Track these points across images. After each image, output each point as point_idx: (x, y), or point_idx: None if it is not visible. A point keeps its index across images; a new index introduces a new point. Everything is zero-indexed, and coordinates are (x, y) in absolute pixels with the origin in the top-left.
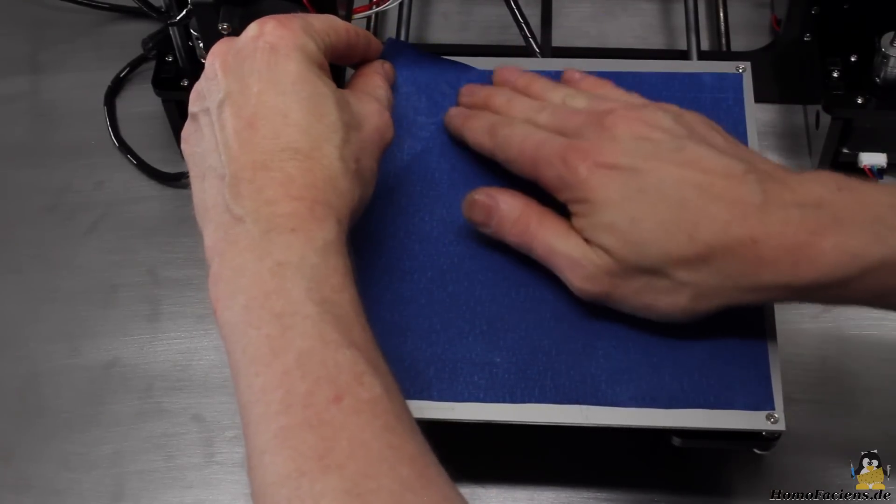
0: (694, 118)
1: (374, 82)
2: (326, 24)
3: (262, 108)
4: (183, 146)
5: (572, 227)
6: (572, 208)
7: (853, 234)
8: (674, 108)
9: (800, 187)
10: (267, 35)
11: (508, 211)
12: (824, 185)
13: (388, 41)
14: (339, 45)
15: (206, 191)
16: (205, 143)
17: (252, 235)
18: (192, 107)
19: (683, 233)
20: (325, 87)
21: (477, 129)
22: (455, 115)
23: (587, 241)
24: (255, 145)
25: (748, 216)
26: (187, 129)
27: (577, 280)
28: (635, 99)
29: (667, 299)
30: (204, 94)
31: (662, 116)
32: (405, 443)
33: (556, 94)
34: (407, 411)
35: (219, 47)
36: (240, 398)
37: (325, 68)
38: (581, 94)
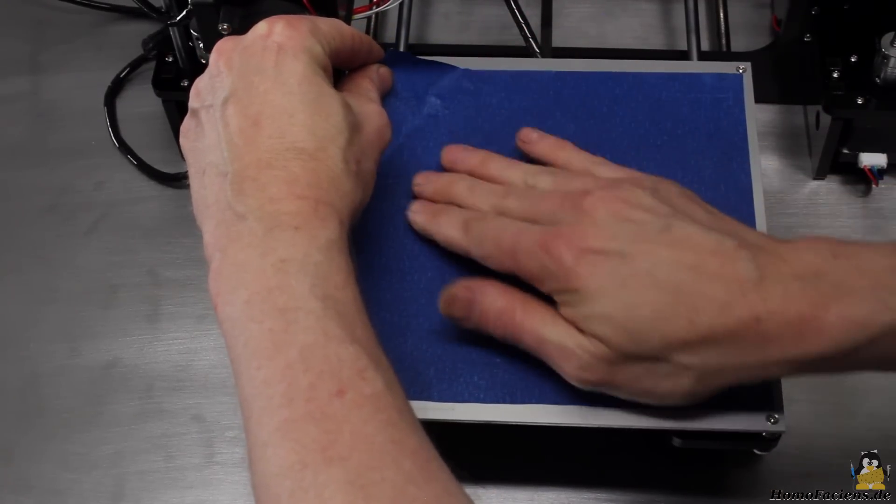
0: (671, 189)
1: (364, 85)
2: (332, 27)
3: (267, 106)
4: (182, 141)
5: (560, 315)
6: (559, 298)
7: (856, 304)
8: (648, 180)
9: (794, 258)
10: (276, 35)
11: (490, 303)
12: (819, 254)
13: (388, 52)
14: (343, 50)
15: (206, 187)
16: (206, 140)
17: (255, 232)
18: (193, 102)
19: (682, 318)
20: (329, 89)
21: (447, 227)
22: (419, 212)
23: (580, 330)
24: (260, 144)
25: (747, 294)
26: (187, 124)
27: (572, 370)
28: (603, 168)
29: (668, 384)
30: (206, 91)
31: (641, 195)
32: (407, 437)
33: (516, 173)
34: (408, 407)
35: (224, 44)
36: (241, 392)
37: (329, 71)
38: (543, 172)
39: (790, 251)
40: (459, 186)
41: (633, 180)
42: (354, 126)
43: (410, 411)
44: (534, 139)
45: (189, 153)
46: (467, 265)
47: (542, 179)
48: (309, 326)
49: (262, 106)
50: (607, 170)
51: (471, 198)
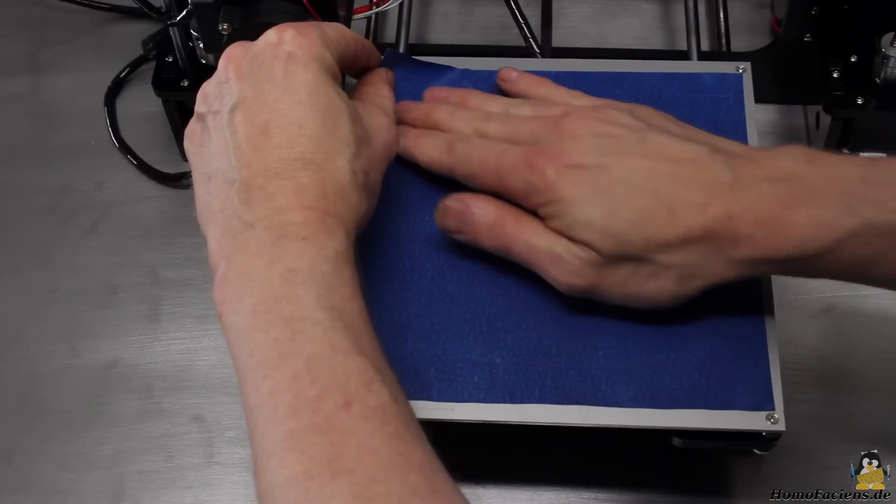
0: (647, 111)
1: (382, 93)
2: (338, 32)
3: (277, 116)
4: (186, 145)
5: (549, 227)
6: (544, 211)
7: (825, 207)
8: (624, 104)
9: (769, 162)
10: (286, 43)
11: (482, 215)
12: (794, 159)
13: (386, 52)
14: (347, 55)
15: (212, 193)
16: (212, 146)
17: (262, 242)
18: (199, 107)
19: (662, 219)
20: (339, 100)
21: (431, 148)
22: (401, 136)
23: (568, 238)
24: (268, 153)
25: (722, 195)
26: (191, 128)
27: (562, 275)
28: (580, 98)
29: (653, 284)
30: (214, 96)
31: (618, 114)
32: (413, 450)
33: (497, 104)
34: (414, 419)
35: (234, 51)
36: (245, 401)
37: (338, 78)
38: (523, 103)
39: (766, 157)
40: (441, 112)
41: (609, 103)
42: (363, 139)
43: (416, 424)
44: (513, 77)
45: (194, 157)
46: (467, 265)
47: (522, 109)
48: (315, 337)
49: (272, 115)
50: (585, 100)
51: (452, 122)
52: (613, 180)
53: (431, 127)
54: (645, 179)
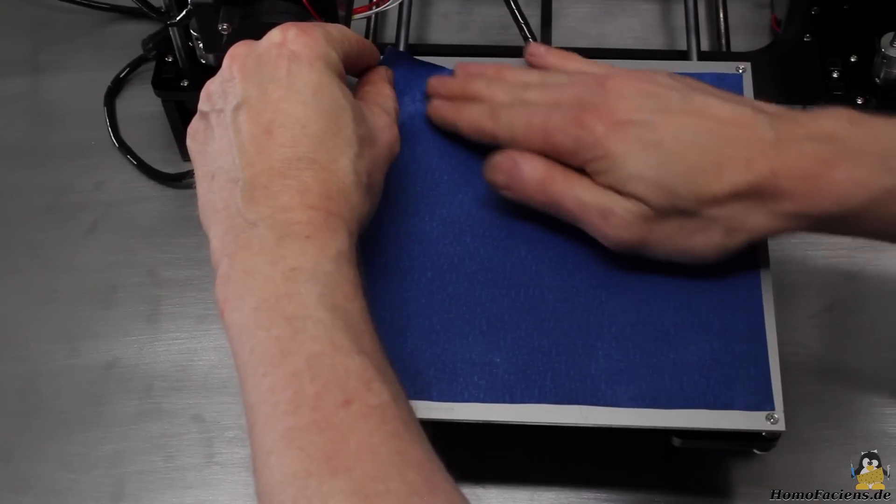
0: (685, 77)
1: (384, 92)
2: (341, 33)
3: (280, 115)
4: (189, 142)
5: (598, 183)
6: (592, 167)
7: (863, 165)
8: (663, 71)
9: (811, 123)
10: (290, 43)
11: (531, 171)
12: (836, 120)
13: (387, 50)
14: (351, 55)
15: (214, 192)
16: (215, 144)
17: (266, 240)
18: (203, 105)
19: (710, 173)
20: (344, 100)
21: (475, 116)
22: (441, 107)
23: (622, 192)
24: (272, 152)
25: (766, 152)
26: (195, 126)
27: (613, 230)
28: (615, 68)
29: (701, 238)
30: (217, 95)
31: (659, 76)
32: (412, 448)
33: (532, 75)
34: (414, 418)
35: (238, 50)
36: (246, 398)
37: (343, 77)
38: (559, 73)
39: (808, 118)
40: (478, 83)
41: (647, 69)
42: (366, 139)
43: (416, 423)
44: (542, 52)
45: (196, 155)
46: (467, 265)
47: (559, 78)
48: (317, 336)
49: (276, 114)
50: (620, 69)
51: (491, 92)
52: (662, 137)
53: (469, 98)
54: (692, 136)
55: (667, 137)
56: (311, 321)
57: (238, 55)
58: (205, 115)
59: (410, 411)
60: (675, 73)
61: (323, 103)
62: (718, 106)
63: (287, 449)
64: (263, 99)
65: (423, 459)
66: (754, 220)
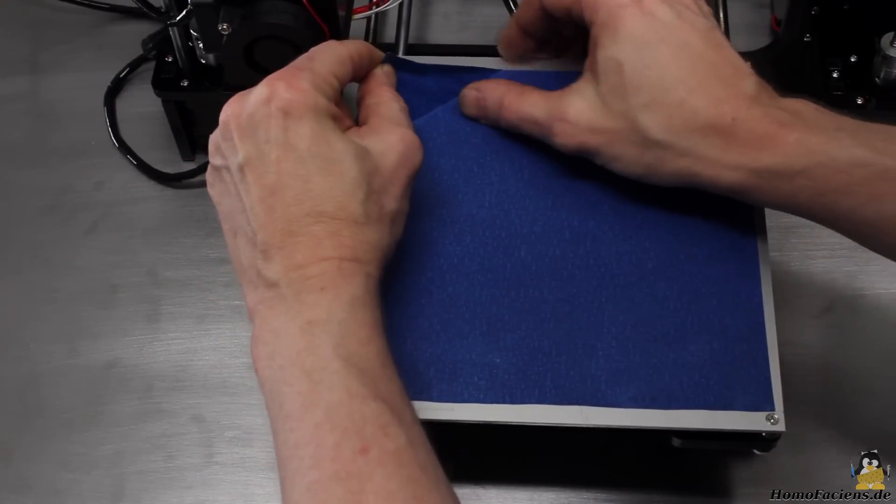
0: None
1: (385, 97)
2: (330, 63)
3: (282, 176)
4: (210, 190)
5: (552, 93)
6: (595, 32)
7: (816, 134)
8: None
9: (785, 100)
10: (277, 100)
11: (492, 91)
12: (805, 105)
13: (385, 57)
14: (346, 75)
15: (239, 249)
16: (230, 202)
17: (285, 298)
18: (213, 159)
19: (677, 94)
20: (340, 144)
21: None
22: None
23: (589, 74)
24: (281, 213)
25: (738, 100)
26: (211, 177)
27: (557, 135)
28: None
29: (634, 151)
30: (223, 150)
31: (698, 4)
32: (429, 493)
33: None
34: (432, 461)
35: (231, 107)
36: (277, 454)
37: (338, 116)
38: None
39: (784, 99)
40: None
41: None
42: (372, 172)
43: (434, 465)
44: None
45: (218, 207)
46: (467, 265)
47: None
48: (333, 386)
49: (277, 175)
50: None
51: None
52: (667, 39)
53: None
54: (691, 55)
55: (671, 39)
56: (327, 372)
57: (232, 113)
58: (217, 169)
59: (428, 453)
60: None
61: (320, 154)
62: (730, 49)
63: (311, 503)
64: (263, 160)
65: (439, 503)
66: (694, 156)
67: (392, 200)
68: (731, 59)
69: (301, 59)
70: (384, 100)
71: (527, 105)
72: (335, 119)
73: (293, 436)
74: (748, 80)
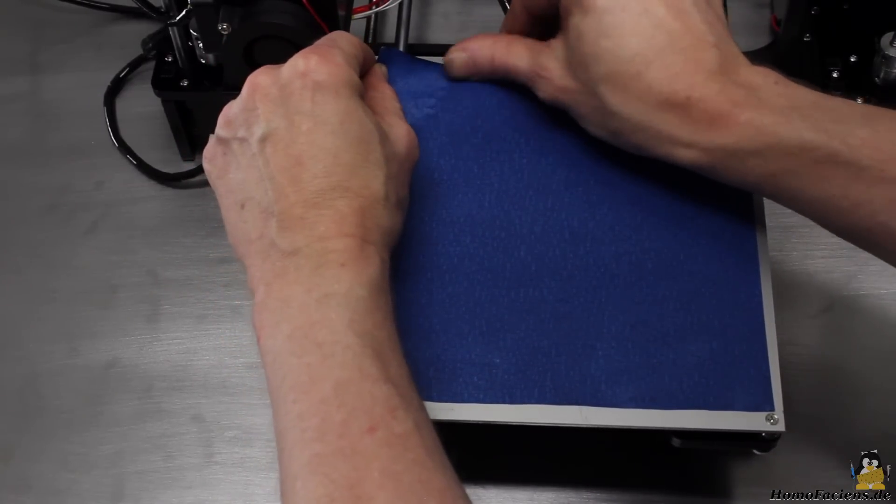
0: None
1: (388, 94)
2: (352, 44)
3: (311, 147)
4: (206, 166)
5: (536, 44)
6: (565, 4)
7: (767, 115)
8: None
9: (745, 74)
10: (313, 72)
11: (480, 50)
12: (765, 77)
13: (381, 50)
14: (361, 64)
15: (247, 221)
16: (241, 173)
17: (302, 269)
18: (222, 131)
19: (634, 65)
20: (370, 123)
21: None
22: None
23: (560, 40)
24: (305, 183)
25: (695, 75)
26: (212, 151)
27: (537, 90)
28: None
29: (597, 117)
30: (239, 123)
31: None
32: (434, 476)
33: None
34: (438, 446)
35: (260, 79)
36: (276, 424)
37: (362, 94)
38: None
39: (746, 69)
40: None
41: None
42: (391, 156)
43: (440, 451)
44: None
45: (217, 182)
46: (467, 265)
47: None
48: (345, 362)
49: (305, 146)
50: None
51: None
52: (628, 6)
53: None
54: (650, 24)
55: (631, 10)
56: (340, 347)
57: (260, 84)
58: (224, 142)
59: (435, 439)
60: None
61: (352, 131)
62: (695, 16)
63: (312, 475)
64: (291, 131)
65: (444, 487)
66: (649, 129)
67: (403, 188)
68: (693, 28)
69: (325, 40)
70: (388, 95)
71: (514, 57)
72: (362, 98)
73: (296, 407)
74: (709, 52)
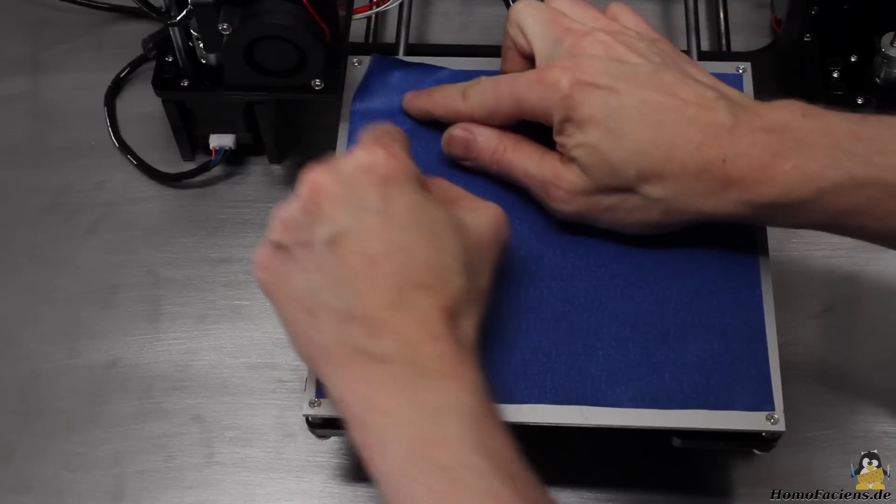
0: (667, 46)
1: (443, 183)
2: (401, 134)
3: (384, 245)
4: (259, 274)
5: (547, 151)
6: (559, 127)
7: (812, 158)
8: (649, 33)
9: (767, 113)
10: (379, 167)
11: (486, 142)
12: (790, 112)
13: (371, 57)
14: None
15: (320, 329)
16: (306, 279)
17: (399, 378)
18: (280, 236)
19: (660, 152)
20: (440, 214)
21: (446, 97)
22: (413, 97)
23: (570, 159)
24: (383, 284)
25: (720, 138)
26: (265, 258)
27: (553, 202)
28: (600, 20)
29: (638, 215)
30: (300, 226)
31: (637, 42)
32: None
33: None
34: None
35: (319, 177)
36: None
37: (425, 185)
38: None
39: (765, 108)
40: (444, 89)
41: (630, 31)
42: (468, 245)
43: None
44: None
45: (275, 289)
46: None
47: None
48: (477, 489)
49: (378, 245)
50: (603, 21)
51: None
52: (623, 105)
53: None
54: (651, 111)
55: (628, 107)
56: (467, 471)
57: (320, 183)
58: (283, 248)
59: None
60: (660, 38)
61: (424, 225)
62: (684, 85)
63: None
64: (362, 230)
65: None
66: (697, 202)
67: (485, 278)
68: (688, 95)
69: (377, 132)
70: (444, 183)
71: (522, 158)
72: (426, 189)
73: None
74: (717, 108)
